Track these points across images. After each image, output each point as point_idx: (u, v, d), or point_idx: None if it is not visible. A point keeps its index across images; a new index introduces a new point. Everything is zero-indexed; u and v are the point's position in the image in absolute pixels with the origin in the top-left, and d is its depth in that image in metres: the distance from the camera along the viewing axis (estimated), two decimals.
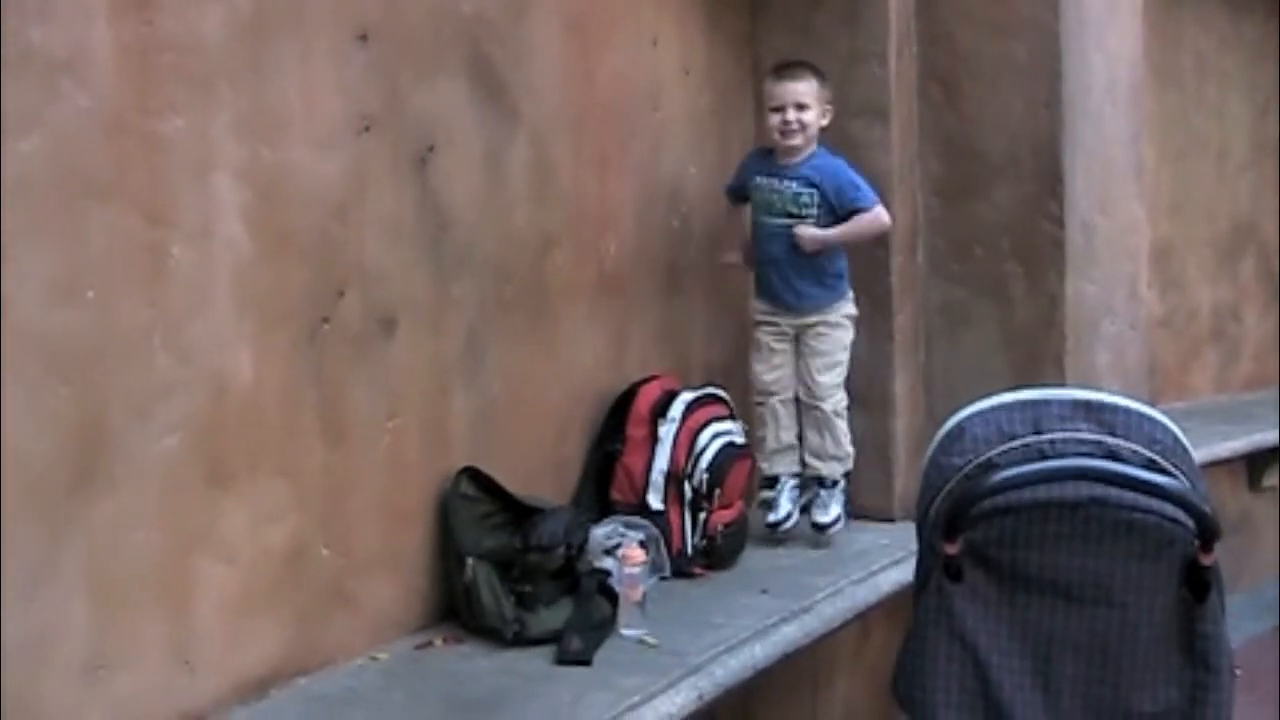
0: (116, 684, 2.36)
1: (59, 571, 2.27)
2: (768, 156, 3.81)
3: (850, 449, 3.82)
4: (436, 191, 3.06)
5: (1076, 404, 2.40)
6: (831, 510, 3.79)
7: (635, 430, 3.58)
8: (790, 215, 3.72)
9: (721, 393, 3.75)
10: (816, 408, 3.76)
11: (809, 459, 3.81)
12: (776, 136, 3.73)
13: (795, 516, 3.81)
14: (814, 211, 3.70)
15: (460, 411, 3.16)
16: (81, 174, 2.29)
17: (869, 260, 3.91)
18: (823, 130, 3.76)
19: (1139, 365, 4.54)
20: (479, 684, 2.76)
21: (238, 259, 2.59)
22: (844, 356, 3.79)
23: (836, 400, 3.78)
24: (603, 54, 3.63)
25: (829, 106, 3.76)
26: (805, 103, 3.70)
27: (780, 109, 3.70)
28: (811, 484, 3.83)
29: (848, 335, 3.80)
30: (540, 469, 3.42)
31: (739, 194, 3.88)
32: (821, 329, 3.77)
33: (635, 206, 3.78)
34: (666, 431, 3.54)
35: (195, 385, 2.51)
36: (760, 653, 3.04)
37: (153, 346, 2.42)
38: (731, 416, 3.71)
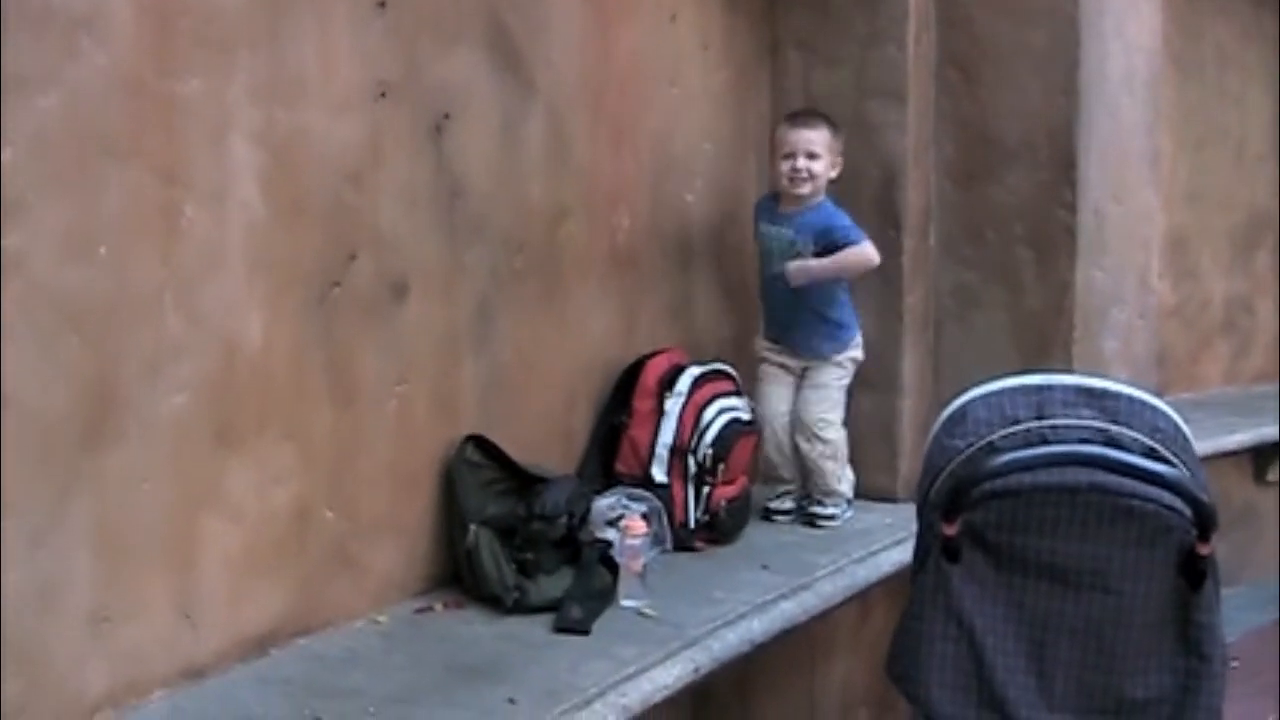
0: (120, 636, 2.39)
1: (67, 523, 2.29)
2: (774, 203, 3.82)
3: (842, 489, 3.85)
4: (451, 159, 3.07)
5: (1080, 390, 2.42)
6: (828, 510, 3.83)
7: (642, 403, 3.59)
8: (786, 261, 3.74)
9: (729, 369, 3.76)
10: (805, 446, 3.79)
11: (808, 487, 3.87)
12: (785, 183, 3.73)
13: (793, 515, 3.86)
14: (809, 258, 3.71)
15: (469, 379, 3.17)
16: (98, 132, 2.30)
17: (881, 242, 3.90)
18: (833, 183, 3.75)
19: (1147, 354, 4.54)
20: (478, 649, 2.78)
21: (251, 221, 2.61)
22: (839, 396, 3.82)
23: (827, 439, 3.78)
24: (621, 28, 3.63)
25: (839, 158, 3.76)
26: (816, 151, 3.70)
27: (791, 155, 3.70)
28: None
29: (846, 375, 3.83)
30: (546, 438, 3.44)
31: None
32: (821, 365, 3.80)
33: (649, 181, 3.79)
34: (673, 405, 3.56)
35: (205, 345, 2.53)
36: (758, 628, 3.05)
37: (164, 305, 2.44)
38: (738, 393, 3.73)
